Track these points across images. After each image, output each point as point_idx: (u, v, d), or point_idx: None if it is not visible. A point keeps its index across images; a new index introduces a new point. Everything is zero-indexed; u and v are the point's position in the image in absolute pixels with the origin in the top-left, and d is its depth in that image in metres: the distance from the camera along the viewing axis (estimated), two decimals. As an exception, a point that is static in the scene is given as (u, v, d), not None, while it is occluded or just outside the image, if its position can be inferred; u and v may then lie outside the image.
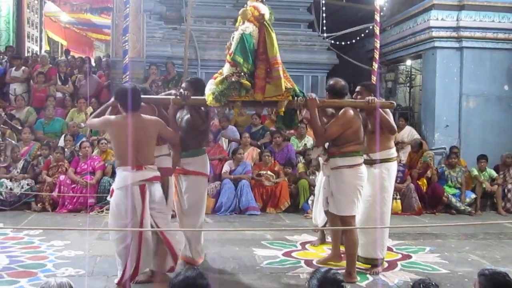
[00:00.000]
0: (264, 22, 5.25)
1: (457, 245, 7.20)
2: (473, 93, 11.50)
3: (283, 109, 5.31)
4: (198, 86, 5.59)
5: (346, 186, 5.39)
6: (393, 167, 5.88)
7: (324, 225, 6.51)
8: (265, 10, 5.30)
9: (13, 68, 12.00)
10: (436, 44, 11.50)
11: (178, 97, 5.39)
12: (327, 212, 5.78)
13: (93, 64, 14.77)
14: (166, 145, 5.51)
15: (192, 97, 5.41)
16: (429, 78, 11.85)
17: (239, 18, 5.38)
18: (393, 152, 5.89)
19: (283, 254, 6.49)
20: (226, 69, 5.23)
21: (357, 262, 5.66)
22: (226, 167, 9.63)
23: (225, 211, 9.13)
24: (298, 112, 5.60)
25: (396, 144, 10.95)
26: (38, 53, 16.65)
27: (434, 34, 11.40)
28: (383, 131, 5.66)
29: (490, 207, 10.22)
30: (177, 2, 13.25)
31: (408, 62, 13.43)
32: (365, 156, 5.62)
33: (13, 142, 9.84)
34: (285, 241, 7.13)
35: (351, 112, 5.38)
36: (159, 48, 12.36)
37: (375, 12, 9.06)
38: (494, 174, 10.21)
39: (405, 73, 13.91)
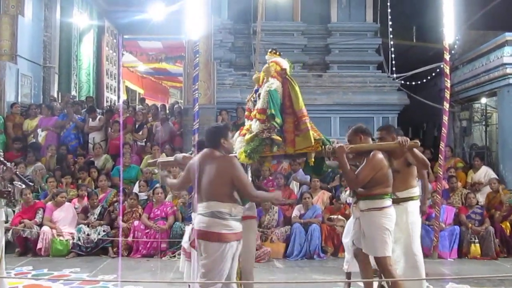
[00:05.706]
0: (287, 76, 5.37)
1: (542, 293, 6.78)
2: (552, 130, 10.99)
3: (312, 159, 5.38)
4: None
5: (376, 228, 5.41)
6: (417, 204, 6.03)
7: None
8: (285, 64, 5.44)
9: (91, 119, 12.57)
10: (511, 81, 11.13)
11: None
12: (357, 256, 5.75)
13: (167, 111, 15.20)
14: None
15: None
16: (506, 116, 11.43)
17: (262, 74, 5.50)
18: (416, 190, 6.02)
19: (354, 301, 6.33)
20: (255, 126, 5.28)
21: None
22: (296, 212, 9.57)
23: (296, 256, 9.05)
24: (326, 160, 5.64)
25: (473, 185, 10.59)
26: (115, 103, 17.35)
27: (509, 70, 11.06)
28: (416, 168, 5.89)
29: None
30: (246, 49, 13.61)
31: (483, 100, 13.02)
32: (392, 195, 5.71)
33: (90, 188, 10.27)
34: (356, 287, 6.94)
35: (380, 155, 5.43)
36: (229, 94, 12.68)
37: (444, 51, 8.88)
38: None
39: (480, 111, 13.47)
